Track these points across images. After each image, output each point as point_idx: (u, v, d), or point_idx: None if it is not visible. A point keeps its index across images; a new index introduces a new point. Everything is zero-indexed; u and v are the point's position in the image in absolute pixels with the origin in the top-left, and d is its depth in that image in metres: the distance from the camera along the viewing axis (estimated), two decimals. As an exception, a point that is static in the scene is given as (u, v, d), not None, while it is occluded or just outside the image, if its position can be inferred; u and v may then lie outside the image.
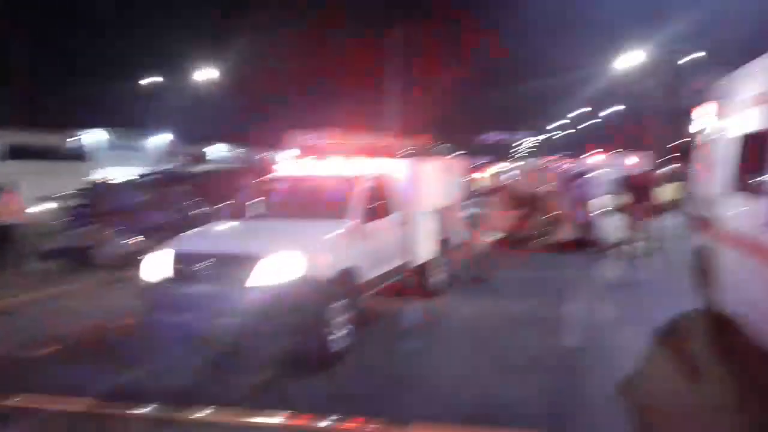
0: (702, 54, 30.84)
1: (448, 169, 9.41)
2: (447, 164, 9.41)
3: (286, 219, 7.05)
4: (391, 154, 8.68)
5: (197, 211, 12.30)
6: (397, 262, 7.64)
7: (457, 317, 7.77)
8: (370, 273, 6.81)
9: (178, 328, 5.71)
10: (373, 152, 8.36)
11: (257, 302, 5.54)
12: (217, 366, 5.92)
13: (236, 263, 5.76)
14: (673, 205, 23.00)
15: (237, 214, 7.46)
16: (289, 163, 8.71)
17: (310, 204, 7.52)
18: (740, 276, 5.55)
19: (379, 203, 7.27)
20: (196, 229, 7.03)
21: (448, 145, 11.78)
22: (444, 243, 9.16)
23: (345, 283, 6.19)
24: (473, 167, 29.98)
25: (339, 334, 5.99)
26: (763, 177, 5.44)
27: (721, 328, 6.14)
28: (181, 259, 5.97)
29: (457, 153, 19.63)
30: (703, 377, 5.39)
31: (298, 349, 5.75)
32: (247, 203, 7.76)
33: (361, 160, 8.16)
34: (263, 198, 8.13)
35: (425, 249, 8.31)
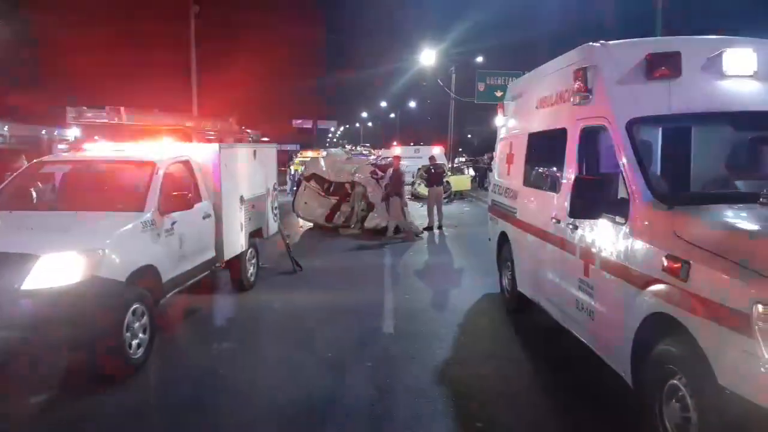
0: (484, 56, 34.10)
1: (258, 155, 8.94)
2: (256, 150, 8.93)
3: (70, 210, 5.97)
4: (194, 137, 8.01)
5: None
6: (204, 257, 7.03)
7: (271, 312, 7.45)
8: (173, 270, 6.16)
9: None
10: (173, 134, 7.61)
11: (31, 310, 4.66)
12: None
13: (3, 264, 4.76)
14: (466, 194, 25.29)
15: (5, 203, 6.19)
16: (74, 143, 7.54)
17: (101, 193, 6.56)
18: (534, 260, 6.06)
19: (181, 192, 6.52)
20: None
21: (258, 132, 11.26)
22: (255, 234, 8.73)
23: (143, 283, 5.51)
24: (285, 154, 29.63)
25: (138, 340, 5.33)
26: (546, 173, 5.99)
27: (521, 308, 6.69)
28: None
29: (267, 139, 19.04)
30: (510, 358, 5.75)
31: (90, 361, 5.04)
32: (17, 190, 6.52)
33: (161, 143, 7.37)
34: (42, 185, 6.93)
35: (235, 242, 7.80)
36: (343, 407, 4.69)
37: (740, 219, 3.65)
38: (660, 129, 4.84)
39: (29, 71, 28.35)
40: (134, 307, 5.28)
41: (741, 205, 3.85)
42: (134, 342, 5.27)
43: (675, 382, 3.31)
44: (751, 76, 4.40)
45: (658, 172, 4.61)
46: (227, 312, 7.59)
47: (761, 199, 3.56)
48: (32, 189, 6.69)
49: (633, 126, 4.26)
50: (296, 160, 29.21)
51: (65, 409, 4.65)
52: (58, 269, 4.81)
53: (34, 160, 7.21)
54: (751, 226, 3.52)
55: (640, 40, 5.14)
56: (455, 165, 32.64)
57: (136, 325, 5.31)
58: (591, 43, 4.92)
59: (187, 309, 7.22)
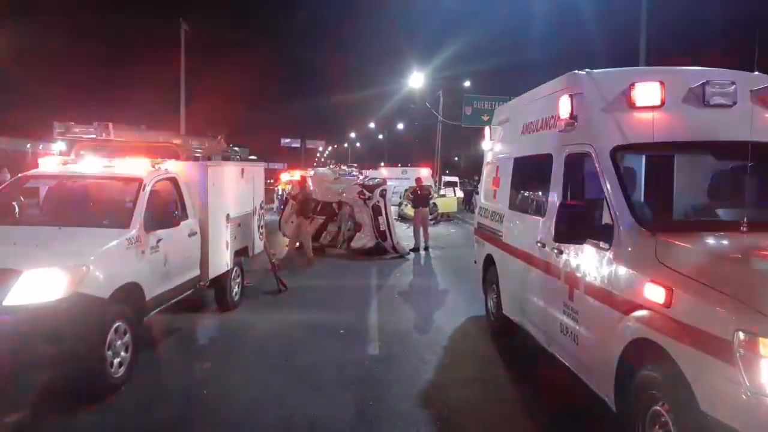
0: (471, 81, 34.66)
1: (245, 173, 8.93)
2: (243, 169, 8.92)
3: (53, 226, 5.90)
4: (180, 154, 7.98)
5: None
6: (188, 275, 6.97)
7: (255, 332, 7.38)
8: (157, 288, 6.10)
9: None
10: (159, 152, 7.58)
11: (12, 326, 4.58)
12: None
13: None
14: (453, 216, 25.37)
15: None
16: (59, 158, 7.48)
17: (86, 208, 6.51)
18: (519, 284, 6.09)
19: (167, 209, 6.50)
20: None
21: (245, 148, 11.22)
22: (240, 253, 8.68)
23: (126, 300, 5.45)
24: (272, 172, 29.62)
25: (120, 358, 5.26)
26: (531, 197, 6.06)
27: (506, 331, 6.69)
28: None
29: (254, 157, 18.95)
30: (495, 382, 5.73)
31: (70, 379, 4.98)
32: (0, 205, 6.44)
33: (146, 159, 7.33)
34: (25, 199, 6.86)
35: (220, 260, 7.76)
36: (326, 431, 4.64)
37: (722, 247, 3.71)
38: (643, 157, 4.93)
39: (15, 84, 28.22)
40: (117, 325, 5.22)
41: (722, 232, 3.93)
42: (116, 360, 5.20)
43: (658, 408, 3.33)
44: (731, 107, 4.51)
45: (642, 199, 4.69)
46: (210, 331, 7.50)
47: (742, 228, 3.63)
48: (15, 203, 6.62)
49: (617, 153, 4.34)
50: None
51: (44, 428, 4.55)
52: (40, 285, 4.74)
53: (19, 175, 7.15)
54: (733, 254, 3.59)
55: (625, 69, 5.26)
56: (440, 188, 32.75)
57: (118, 343, 5.25)
58: (576, 71, 5.02)
59: (170, 328, 7.13)
